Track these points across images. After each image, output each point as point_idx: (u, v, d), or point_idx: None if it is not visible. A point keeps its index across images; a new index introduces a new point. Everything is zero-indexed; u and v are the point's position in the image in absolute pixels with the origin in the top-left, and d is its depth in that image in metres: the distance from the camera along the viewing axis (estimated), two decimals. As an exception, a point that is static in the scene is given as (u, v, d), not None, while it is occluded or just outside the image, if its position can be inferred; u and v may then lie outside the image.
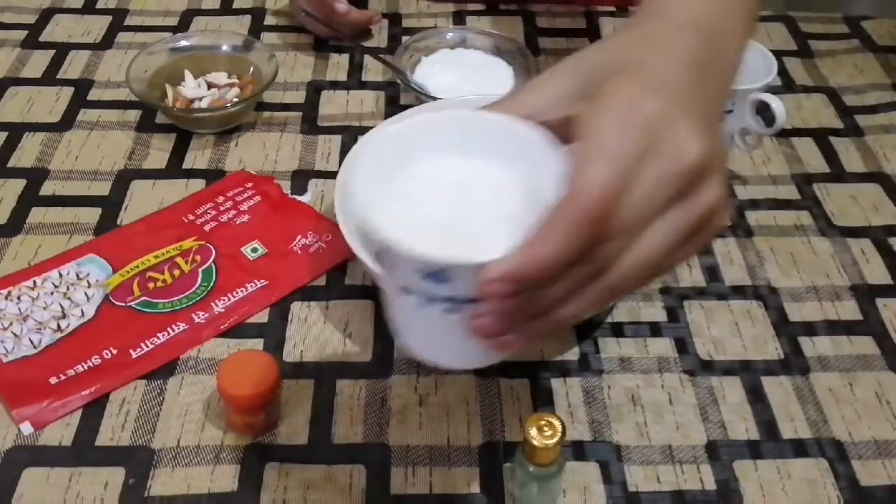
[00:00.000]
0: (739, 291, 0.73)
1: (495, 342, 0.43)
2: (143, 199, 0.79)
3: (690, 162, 0.41)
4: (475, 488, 0.59)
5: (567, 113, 0.44)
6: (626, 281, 0.42)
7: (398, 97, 0.91)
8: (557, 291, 0.41)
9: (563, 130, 0.44)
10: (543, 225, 0.40)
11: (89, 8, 1.03)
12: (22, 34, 0.98)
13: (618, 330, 0.69)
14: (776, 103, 0.76)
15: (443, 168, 0.45)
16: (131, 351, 0.66)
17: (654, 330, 0.69)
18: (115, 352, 0.65)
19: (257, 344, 0.67)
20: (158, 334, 0.67)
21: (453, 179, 0.45)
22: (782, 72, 0.96)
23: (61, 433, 0.61)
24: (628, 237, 0.41)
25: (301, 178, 0.81)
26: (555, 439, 0.52)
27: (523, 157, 0.44)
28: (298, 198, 0.79)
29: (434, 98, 0.85)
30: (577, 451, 0.61)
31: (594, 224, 0.39)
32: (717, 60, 0.48)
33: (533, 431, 0.52)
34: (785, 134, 0.88)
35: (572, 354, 0.67)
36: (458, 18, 1.03)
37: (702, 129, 0.42)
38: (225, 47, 0.91)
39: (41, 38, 0.98)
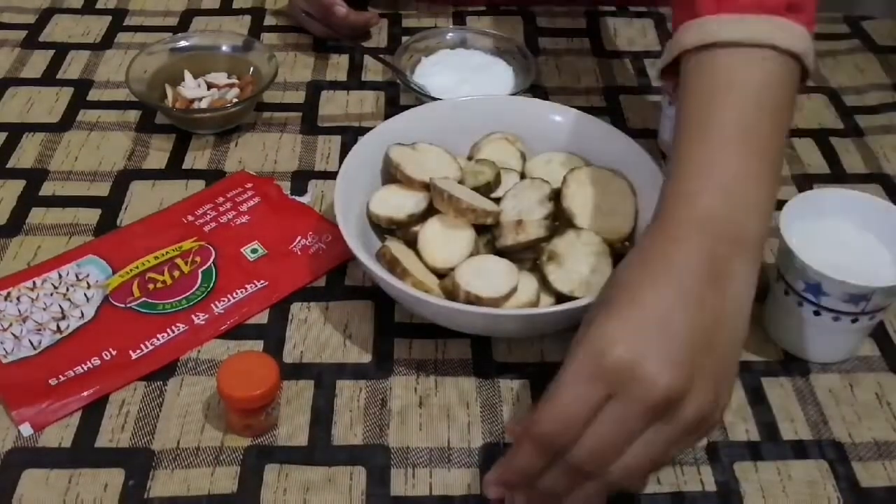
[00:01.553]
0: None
1: None
2: (143, 200, 0.79)
3: (656, 397, 0.47)
4: (475, 489, 0.59)
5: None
6: (623, 479, 0.49)
7: (398, 97, 0.91)
8: (552, 484, 0.51)
9: None
10: (515, 441, 0.51)
11: (89, 8, 1.03)
12: (22, 34, 0.98)
13: (618, 331, 0.69)
14: (776, 104, 0.76)
15: (818, 226, 0.66)
16: (131, 352, 0.66)
17: (655, 331, 0.69)
18: (114, 353, 0.65)
19: (257, 345, 0.67)
20: (158, 335, 0.67)
21: (825, 235, 0.66)
22: (782, 72, 0.96)
23: (61, 434, 0.61)
24: (605, 453, 0.49)
25: (301, 179, 0.81)
26: None
27: (874, 219, 0.66)
28: (298, 198, 0.79)
29: (434, 98, 0.85)
30: (578, 452, 0.61)
31: (547, 446, 0.49)
32: (727, 264, 0.51)
33: None
34: (785, 134, 0.88)
35: (572, 355, 0.67)
36: (458, 18, 1.03)
37: (676, 361, 0.48)
38: (225, 47, 0.91)
39: (41, 38, 0.98)
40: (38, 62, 0.94)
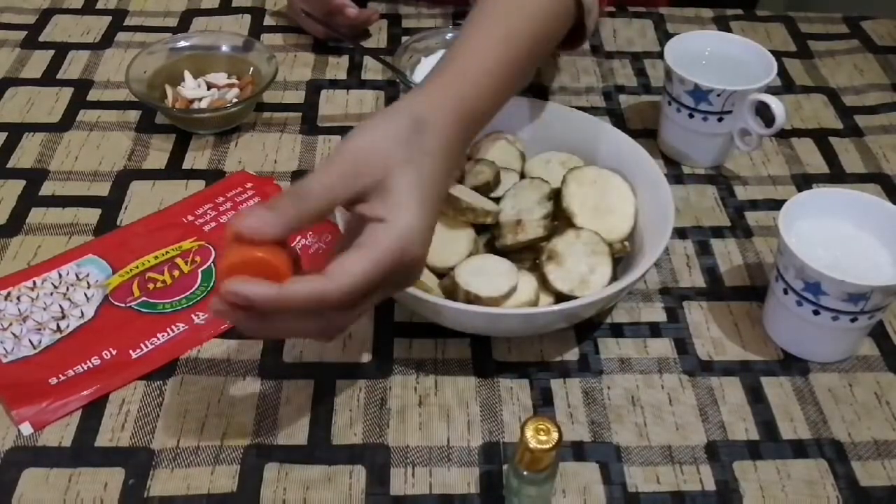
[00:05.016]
0: (739, 292, 0.73)
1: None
2: (143, 200, 0.79)
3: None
4: (475, 488, 0.59)
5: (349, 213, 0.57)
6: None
7: (398, 97, 0.91)
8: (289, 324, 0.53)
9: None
10: (295, 284, 0.50)
11: (89, 8, 1.03)
12: (22, 34, 0.98)
13: (617, 330, 0.69)
14: (776, 104, 0.76)
15: (817, 226, 0.67)
16: (131, 351, 0.66)
17: (654, 330, 0.69)
18: (114, 352, 0.65)
19: (257, 343, 0.67)
20: (158, 335, 0.67)
21: (824, 235, 0.66)
22: (782, 72, 0.96)
23: (61, 434, 0.61)
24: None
25: (301, 179, 0.81)
26: (551, 444, 0.51)
27: (873, 219, 0.66)
28: (298, 198, 0.79)
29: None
30: (577, 451, 0.61)
31: (323, 304, 0.50)
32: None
33: (529, 434, 0.52)
34: (785, 134, 0.88)
35: (572, 355, 0.67)
36: (459, 18, 1.03)
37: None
38: (224, 47, 0.91)
39: (41, 39, 0.98)
40: (38, 62, 0.94)
